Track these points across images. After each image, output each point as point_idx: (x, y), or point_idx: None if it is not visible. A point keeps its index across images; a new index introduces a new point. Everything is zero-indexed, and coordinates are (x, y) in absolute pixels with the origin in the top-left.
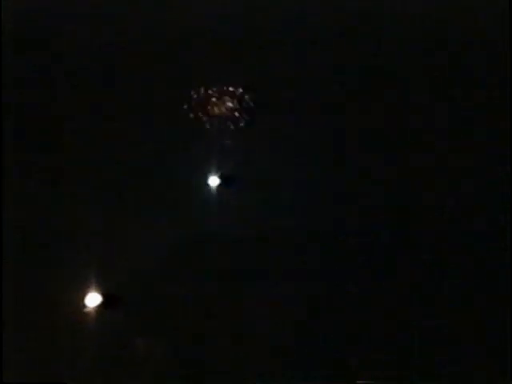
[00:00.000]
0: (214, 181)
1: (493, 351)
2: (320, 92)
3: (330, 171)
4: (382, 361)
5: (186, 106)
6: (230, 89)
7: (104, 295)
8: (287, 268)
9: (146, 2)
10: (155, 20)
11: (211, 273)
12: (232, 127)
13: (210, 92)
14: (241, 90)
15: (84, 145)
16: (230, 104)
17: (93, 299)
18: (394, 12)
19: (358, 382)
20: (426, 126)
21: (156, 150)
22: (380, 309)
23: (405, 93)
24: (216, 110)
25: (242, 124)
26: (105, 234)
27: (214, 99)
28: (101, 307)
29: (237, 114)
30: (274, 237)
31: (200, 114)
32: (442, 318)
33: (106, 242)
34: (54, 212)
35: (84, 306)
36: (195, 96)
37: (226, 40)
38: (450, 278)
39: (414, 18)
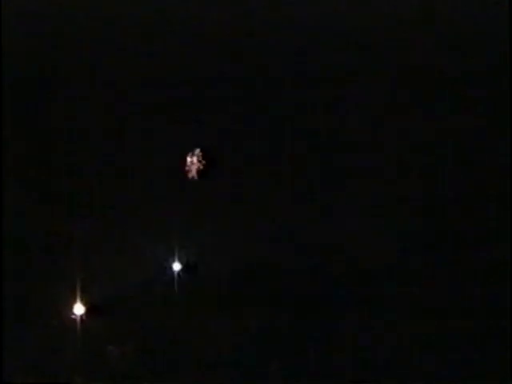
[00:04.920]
0: None
1: (493, 351)
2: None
3: None
4: (381, 361)
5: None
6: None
7: (88, 305)
8: None
9: None
10: None
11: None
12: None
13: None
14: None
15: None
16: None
17: (79, 309)
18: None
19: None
20: None
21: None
22: (380, 310)
23: None
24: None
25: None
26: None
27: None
28: (86, 316)
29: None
30: None
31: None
32: (442, 319)
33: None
34: (44, 226)
35: (72, 314)
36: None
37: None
38: (450, 278)
39: None
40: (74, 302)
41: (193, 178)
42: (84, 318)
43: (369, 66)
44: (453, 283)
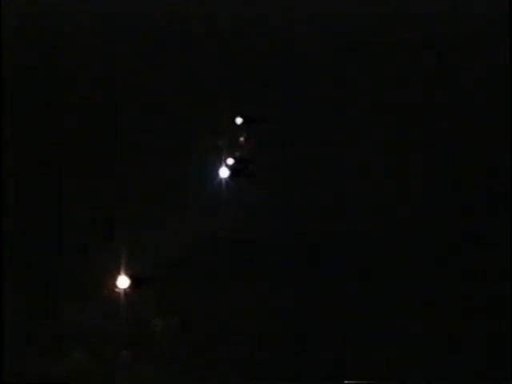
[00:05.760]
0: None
1: (493, 351)
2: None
3: None
4: (381, 361)
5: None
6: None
7: (132, 278)
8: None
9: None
10: None
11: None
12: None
13: None
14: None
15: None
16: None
17: (123, 282)
18: None
19: (345, 382)
20: None
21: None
22: (380, 311)
23: None
24: None
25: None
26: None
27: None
28: (130, 288)
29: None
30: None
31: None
32: (441, 319)
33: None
34: (91, 206)
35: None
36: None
37: None
38: (450, 278)
39: None
40: (118, 274)
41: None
42: (128, 290)
43: (369, 66)
44: (453, 283)
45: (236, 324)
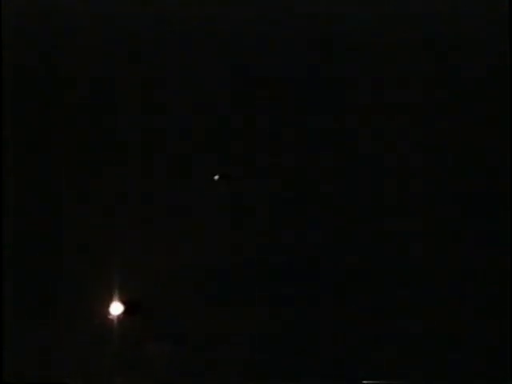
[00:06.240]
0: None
1: (493, 351)
2: None
3: None
4: (382, 361)
5: None
6: None
7: (125, 303)
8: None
9: None
10: None
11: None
12: None
13: None
14: None
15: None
16: None
17: (116, 308)
18: None
19: (363, 382)
20: None
21: None
22: (380, 310)
23: None
24: None
25: None
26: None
27: None
28: (123, 315)
29: None
30: None
31: None
32: (441, 319)
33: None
34: (79, 225)
35: (108, 313)
36: None
37: None
38: (450, 278)
39: None
40: (111, 301)
41: None
42: (121, 317)
43: (368, 66)
44: (453, 283)
45: (235, 327)
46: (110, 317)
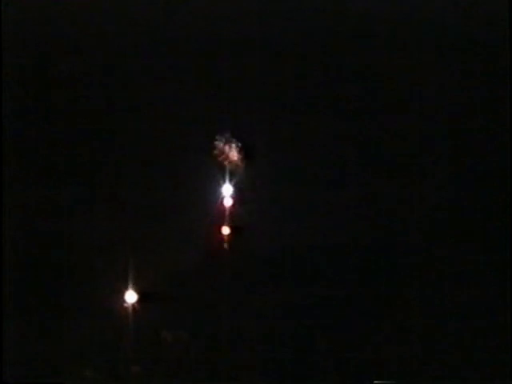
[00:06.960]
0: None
1: (493, 351)
2: None
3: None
4: (382, 361)
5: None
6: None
7: (140, 293)
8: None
9: None
10: None
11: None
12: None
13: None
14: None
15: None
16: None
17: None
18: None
19: (375, 382)
20: None
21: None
22: (384, 311)
23: None
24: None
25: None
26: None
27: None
28: (138, 303)
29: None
30: None
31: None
32: (442, 320)
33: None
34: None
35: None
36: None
37: None
38: (450, 279)
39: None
40: (126, 289)
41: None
42: (136, 305)
43: (369, 66)
44: (453, 283)
45: (241, 326)
46: (125, 305)
